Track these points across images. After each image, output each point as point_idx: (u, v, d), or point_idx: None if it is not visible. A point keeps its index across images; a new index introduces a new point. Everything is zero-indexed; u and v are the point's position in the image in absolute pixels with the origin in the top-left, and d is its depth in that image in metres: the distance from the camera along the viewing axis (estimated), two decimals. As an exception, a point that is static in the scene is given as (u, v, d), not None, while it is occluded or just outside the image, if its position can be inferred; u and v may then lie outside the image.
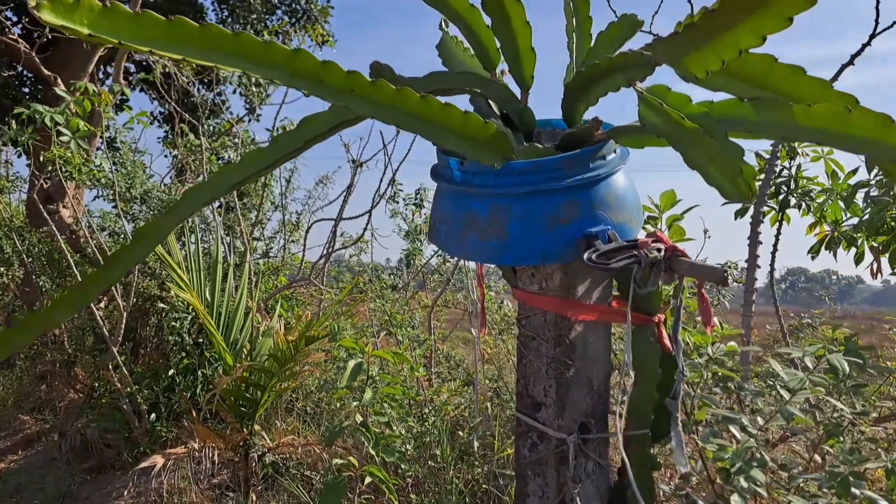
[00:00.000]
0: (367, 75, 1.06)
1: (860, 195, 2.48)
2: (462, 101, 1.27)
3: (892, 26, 2.35)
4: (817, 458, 1.81)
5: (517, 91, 1.41)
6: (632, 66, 1.10)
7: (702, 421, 1.67)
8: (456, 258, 5.65)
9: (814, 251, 2.74)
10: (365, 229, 5.92)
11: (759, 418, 1.59)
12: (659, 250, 1.16)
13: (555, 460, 1.38)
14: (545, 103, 1.47)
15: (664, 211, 1.79)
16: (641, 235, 1.31)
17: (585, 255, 1.15)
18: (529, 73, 1.36)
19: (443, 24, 1.65)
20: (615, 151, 1.27)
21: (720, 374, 1.69)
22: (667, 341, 1.34)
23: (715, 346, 1.66)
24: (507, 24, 1.31)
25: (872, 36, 2.33)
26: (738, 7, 0.83)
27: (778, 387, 1.54)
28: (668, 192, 1.76)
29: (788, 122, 1.03)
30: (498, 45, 1.36)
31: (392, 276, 6.82)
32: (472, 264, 6.56)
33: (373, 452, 2.55)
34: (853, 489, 1.48)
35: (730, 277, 1.09)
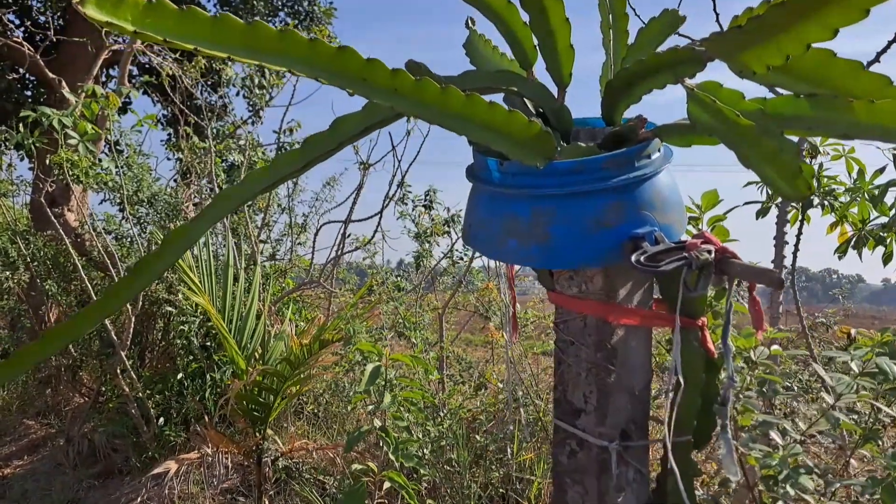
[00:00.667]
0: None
1: (891, 193, 2.44)
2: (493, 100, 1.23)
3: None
4: (854, 462, 1.78)
5: (553, 89, 1.37)
6: (682, 63, 1.07)
7: (745, 427, 1.63)
8: (468, 260, 5.62)
9: (841, 251, 2.70)
10: (375, 231, 5.89)
11: (799, 422, 1.56)
12: (709, 252, 1.12)
13: (595, 468, 1.34)
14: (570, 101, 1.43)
15: (706, 211, 1.75)
16: (684, 237, 1.27)
17: (633, 258, 1.12)
18: (568, 70, 1.32)
19: (469, 22, 1.61)
20: (659, 150, 1.23)
21: (758, 377, 1.65)
22: (711, 345, 1.31)
23: (758, 350, 1.62)
24: (546, 21, 1.27)
25: (899, 32, 2.29)
26: (812, -2, 0.79)
27: (823, 393, 1.51)
28: (709, 192, 1.72)
29: (849, 119, 0.99)
30: (535, 42, 1.32)
31: (399, 278, 6.78)
32: (479, 264, 6.54)
33: (392, 458, 2.52)
34: (898, 495, 1.44)
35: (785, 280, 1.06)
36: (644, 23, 1.36)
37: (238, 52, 0.86)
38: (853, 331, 3.26)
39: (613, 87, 1.21)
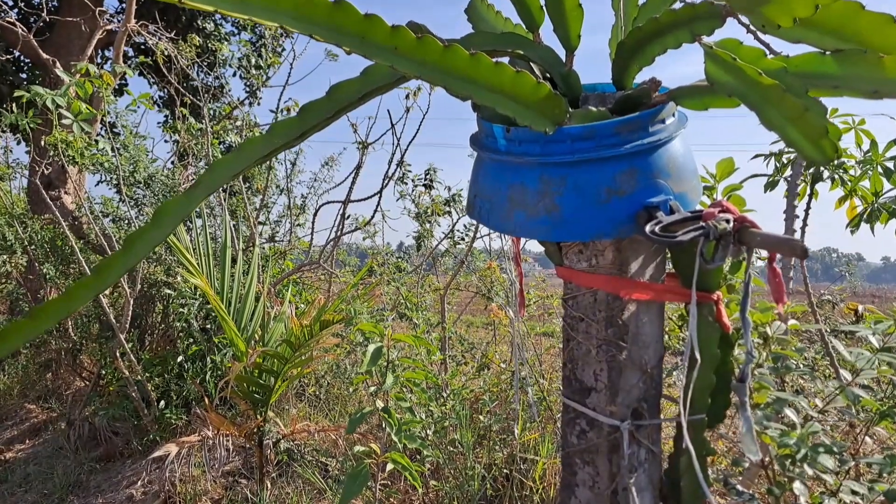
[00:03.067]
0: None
1: (904, 165, 2.38)
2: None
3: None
4: (868, 440, 1.73)
5: (561, 53, 1.31)
6: (699, 19, 1.00)
7: (759, 405, 1.58)
8: (470, 240, 5.56)
9: (853, 225, 2.64)
10: (375, 212, 5.82)
11: (817, 401, 1.51)
12: (727, 221, 1.06)
13: (606, 448, 1.29)
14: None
15: (720, 180, 1.69)
16: (699, 207, 1.21)
17: (648, 228, 1.06)
18: (576, 32, 1.25)
19: (471, -16, 1.54)
20: (674, 115, 1.17)
21: (774, 353, 1.60)
22: (726, 320, 1.25)
23: (775, 325, 1.57)
24: (553, -21, 1.21)
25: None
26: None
27: (840, 368, 1.46)
28: (725, 161, 1.66)
29: (879, 75, 0.93)
30: (541, 2, 1.25)
31: (399, 259, 6.73)
32: (481, 245, 6.48)
33: (395, 439, 2.48)
34: (918, 474, 1.40)
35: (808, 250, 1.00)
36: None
37: (226, 4, 0.80)
38: (860, 307, 3.21)
39: (625, 47, 1.15)
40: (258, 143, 1.17)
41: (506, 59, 1.34)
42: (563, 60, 1.29)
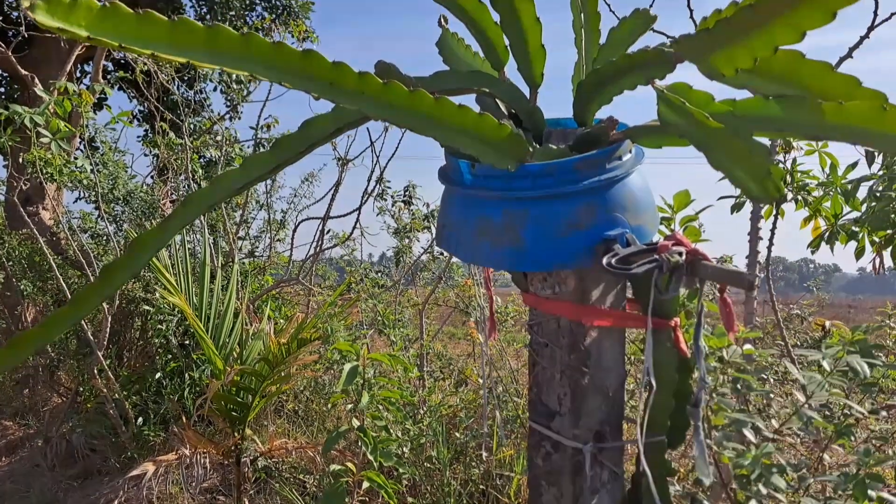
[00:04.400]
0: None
1: (863, 189, 2.47)
2: (465, 101, 1.22)
3: (889, 18, 2.34)
4: (826, 457, 1.80)
5: (525, 90, 1.36)
6: (651, 64, 1.06)
7: (717, 426, 1.64)
8: (449, 255, 5.61)
9: (814, 245, 2.73)
10: (354, 227, 5.86)
11: (773, 421, 1.57)
12: (680, 254, 1.12)
13: (570, 470, 1.34)
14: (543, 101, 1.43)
15: (678, 211, 1.76)
16: (656, 238, 1.27)
17: (604, 260, 1.11)
18: (539, 71, 1.31)
19: (442, 20, 1.60)
20: (631, 151, 1.23)
21: (732, 376, 1.66)
22: (683, 346, 1.31)
23: (731, 349, 1.63)
24: (517, 21, 1.26)
25: (871, 28, 2.31)
26: (780, 1, 0.78)
27: (794, 390, 1.52)
28: (681, 193, 1.72)
29: (818, 120, 0.99)
30: (506, 42, 1.31)
31: (379, 274, 6.76)
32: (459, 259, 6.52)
33: (371, 458, 2.51)
34: (869, 491, 1.46)
35: (756, 282, 1.06)
36: (619, 19, 1.35)
37: (198, 56, 0.84)
38: (828, 323, 3.29)
39: (584, 88, 1.21)
40: (233, 176, 1.22)
41: (474, 96, 1.40)
42: (528, 97, 1.34)
